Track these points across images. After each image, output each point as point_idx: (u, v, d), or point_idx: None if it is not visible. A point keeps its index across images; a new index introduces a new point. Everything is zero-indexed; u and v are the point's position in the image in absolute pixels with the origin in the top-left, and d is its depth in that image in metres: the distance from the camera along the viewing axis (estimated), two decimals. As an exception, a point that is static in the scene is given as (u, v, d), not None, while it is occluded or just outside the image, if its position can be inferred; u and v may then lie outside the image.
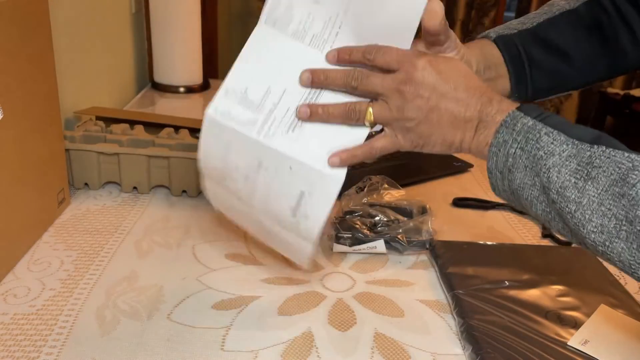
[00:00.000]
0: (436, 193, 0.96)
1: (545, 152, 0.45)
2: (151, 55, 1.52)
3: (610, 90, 3.44)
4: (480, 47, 0.64)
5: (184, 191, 0.89)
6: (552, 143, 0.45)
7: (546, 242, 0.83)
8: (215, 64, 2.14)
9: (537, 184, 0.46)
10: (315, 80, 0.55)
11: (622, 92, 3.30)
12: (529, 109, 0.49)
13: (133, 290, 0.65)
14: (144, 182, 0.88)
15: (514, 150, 0.47)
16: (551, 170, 0.44)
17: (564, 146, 0.45)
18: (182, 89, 1.50)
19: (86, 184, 0.88)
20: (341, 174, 0.54)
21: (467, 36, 3.44)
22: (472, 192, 0.98)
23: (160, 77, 1.50)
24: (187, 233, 0.78)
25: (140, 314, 0.61)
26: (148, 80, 1.59)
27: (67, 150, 0.84)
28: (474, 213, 0.90)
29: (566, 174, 0.44)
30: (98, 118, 1.02)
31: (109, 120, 1.01)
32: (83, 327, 0.58)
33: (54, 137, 0.77)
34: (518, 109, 0.49)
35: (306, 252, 0.58)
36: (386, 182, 0.87)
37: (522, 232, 0.86)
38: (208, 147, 0.57)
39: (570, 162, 0.44)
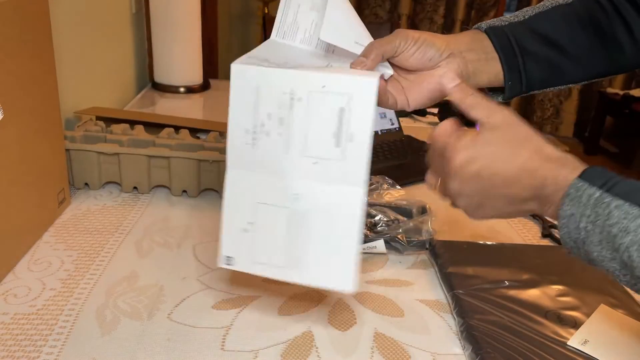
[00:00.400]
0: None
1: (619, 228, 0.41)
2: (151, 55, 1.52)
3: (610, 90, 3.44)
4: (471, 35, 0.64)
5: (184, 191, 0.89)
6: (624, 218, 0.41)
7: (546, 242, 0.83)
8: (215, 64, 2.14)
9: (617, 259, 0.43)
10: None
11: (622, 92, 3.30)
12: (593, 176, 0.45)
13: (133, 290, 0.65)
14: (144, 182, 0.88)
15: (584, 225, 0.44)
16: (630, 249, 0.41)
17: (639, 221, 0.41)
18: (182, 89, 1.50)
19: (86, 184, 0.88)
20: (374, 79, 0.52)
21: (467, 36, 3.44)
22: (472, 192, 0.98)
23: (160, 77, 1.50)
24: (187, 233, 0.78)
25: (141, 313, 0.61)
26: (148, 80, 1.59)
27: (67, 150, 0.84)
28: (474, 213, 0.90)
29: None
30: (98, 118, 1.02)
31: (109, 120, 1.01)
32: (83, 327, 0.58)
33: (54, 137, 0.77)
34: (581, 176, 0.45)
35: (355, 207, 0.54)
36: (386, 182, 0.88)
37: (522, 232, 0.86)
38: (237, 102, 0.56)
39: None
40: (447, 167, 0.50)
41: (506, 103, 0.61)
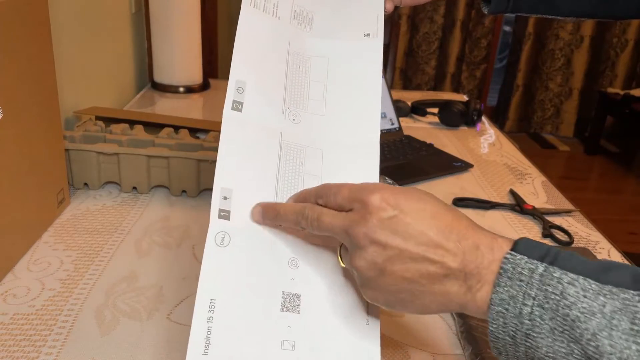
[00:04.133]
0: (436, 193, 0.96)
1: (581, 310, 0.33)
2: (151, 55, 1.52)
3: (610, 90, 3.45)
4: None
5: (183, 191, 0.89)
6: (584, 297, 0.33)
7: (546, 242, 0.83)
8: (215, 64, 2.14)
9: (577, 352, 0.33)
10: (266, 215, 0.47)
11: (622, 92, 3.31)
12: (529, 248, 0.36)
13: (133, 290, 0.65)
14: (143, 182, 0.88)
15: (529, 310, 0.35)
16: (598, 337, 0.32)
17: (602, 298, 0.33)
18: (181, 89, 1.50)
19: (86, 184, 0.88)
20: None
21: (467, 36, 3.44)
22: (472, 192, 0.98)
23: (160, 77, 1.50)
24: (187, 233, 0.78)
25: (140, 314, 0.61)
26: (148, 80, 1.59)
27: (66, 150, 0.84)
28: (474, 213, 0.90)
29: (621, 338, 0.32)
30: (98, 118, 1.02)
31: (109, 120, 1.01)
32: (83, 327, 0.58)
33: (54, 137, 0.77)
34: (515, 248, 0.37)
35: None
36: (386, 182, 0.87)
37: (522, 232, 0.86)
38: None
39: (619, 320, 0.32)
40: (363, 211, 0.40)
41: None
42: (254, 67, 0.53)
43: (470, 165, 1.09)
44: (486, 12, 0.65)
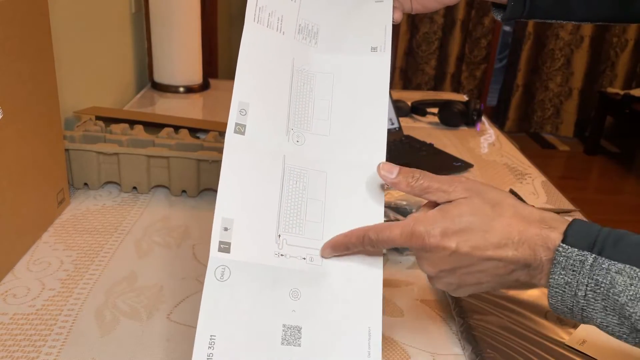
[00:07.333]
0: (436, 193, 0.96)
1: (628, 296, 0.38)
2: (151, 55, 1.52)
3: (610, 90, 3.45)
4: None
5: (183, 191, 0.89)
6: (631, 284, 0.38)
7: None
8: (215, 64, 2.14)
9: (627, 325, 0.39)
10: (337, 250, 0.50)
11: (622, 92, 3.31)
12: (578, 236, 0.40)
13: (133, 290, 0.65)
14: (143, 182, 0.88)
15: (583, 293, 0.40)
16: None
17: None
18: (181, 89, 1.50)
19: (86, 184, 0.88)
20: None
21: (467, 36, 3.44)
22: (472, 192, 0.98)
23: (160, 77, 1.50)
24: (187, 233, 0.78)
25: (140, 314, 0.61)
26: (148, 80, 1.59)
27: (66, 150, 0.84)
28: (474, 213, 0.90)
29: None
30: (98, 118, 1.02)
31: (109, 120, 1.01)
32: (82, 327, 0.58)
33: (54, 137, 0.77)
34: (566, 240, 0.41)
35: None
36: (386, 182, 0.87)
37: (522, 232, 0.86)
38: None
39: None
40: (418, 248, 0.45)
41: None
42: (258, 87, 0.51)
43: (470, 165, 1.09)
44: (499, 19, 0.63)
